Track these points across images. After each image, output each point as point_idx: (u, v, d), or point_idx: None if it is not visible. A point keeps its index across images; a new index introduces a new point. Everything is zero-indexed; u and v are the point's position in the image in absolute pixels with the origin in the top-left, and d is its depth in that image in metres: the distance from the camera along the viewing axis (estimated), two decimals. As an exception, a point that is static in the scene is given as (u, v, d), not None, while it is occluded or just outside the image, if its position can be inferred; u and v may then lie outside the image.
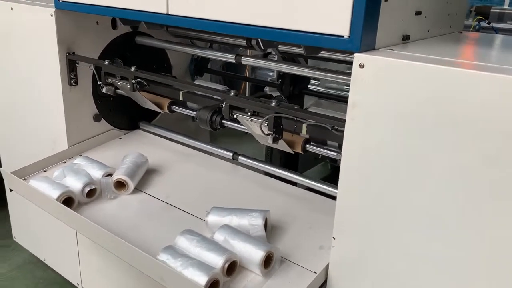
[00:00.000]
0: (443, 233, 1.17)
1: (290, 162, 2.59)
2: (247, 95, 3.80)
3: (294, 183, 1.90)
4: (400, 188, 1.21)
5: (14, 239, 2.78)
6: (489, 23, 3.82)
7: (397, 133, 1.17)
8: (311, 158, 3.65)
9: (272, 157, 2.80)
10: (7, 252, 2.93)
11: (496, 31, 3.76)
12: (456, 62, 1.13)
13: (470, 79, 1.04)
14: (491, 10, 4.32)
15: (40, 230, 2.50)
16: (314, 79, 2.41)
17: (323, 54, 1.81)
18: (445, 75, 1.07)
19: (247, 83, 4.86)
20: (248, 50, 2.60)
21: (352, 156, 1.27)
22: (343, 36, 1.19)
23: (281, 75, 2.35)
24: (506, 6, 4.58)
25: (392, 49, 1.25)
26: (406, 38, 1.39)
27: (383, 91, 1.16)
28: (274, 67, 1.79)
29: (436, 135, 1.11)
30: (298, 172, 1.89)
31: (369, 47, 1.22)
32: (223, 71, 3.41)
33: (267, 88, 3.36)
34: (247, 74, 4.70)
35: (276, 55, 2.22)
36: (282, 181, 1.93)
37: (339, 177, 1.30)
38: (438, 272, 1.21)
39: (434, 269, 1.21)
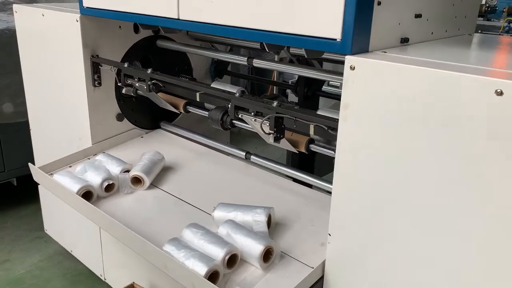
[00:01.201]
0: (433, 228, 1.19)
1: (307, 164, 2.62)
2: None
3: (305, 184, 1.94)
4: (391, 186, 1.24)
5: (45, 231, 2.95)
6: (518, 24, 3.73)
7: (387, 133, 1.21)
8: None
9: (293, 158, 2.85)
10: (39, 244, 3.11)
11: (527, 32, 3.67)
12: (444, 64, 1.15)
13: (452, 80, 1.06)
14: (525, 10, 4.21)
15: (67, 223, 2.66)
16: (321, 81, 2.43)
17: (336, 57, 1.85)
18: (429, 77, 1.10)
19: (273, 86, 4.95)
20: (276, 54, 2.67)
21: (345, 155, 1.31)
22: (335, 39, 1.24)
23: (298, 77, 2.40)
24: (541, 7, 4.43)
25: (385, 52, 1.29)
26: (404, 40, 1.42)
27: (372, 92, 1.20)
28: (281, 69, 1.86)
29: (423, 134, 1.14)
30: (316, 174, 1.93)
31: (362, 49, 1.26)
32: (238, 73, 3.50)
33: (288, 91, 3.42)
34: (274, 77, 4.81)
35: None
36: (294, 181, 1.98)
37: (333, 176, 1.35)
38: (431, 267, 1.23)
39: (426, 264, 1.23)
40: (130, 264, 2.25)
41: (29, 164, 2.08)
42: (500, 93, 0.99)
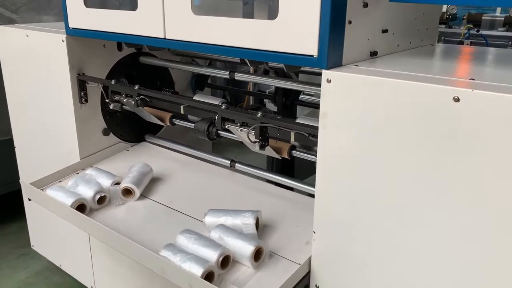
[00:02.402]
0: (408, 224, 1.33)
1: (287, 169, 2.76)
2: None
3: (288, 188, 2.07)
4: (368, 186, 1.38)
5: (32, 247, 2.97)
6: (477, 31, 3.99)
7: (362, 137, 1.35)
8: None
9: (273, 164, 2.98)
10: (26, 260, 3.13)
11: (485, 38, 3.93)
12: (409, 75, 1.30)
13: (416, 90, 1.22)
14: (483, 18, 4.50)
15: (56, 237, 2.70)
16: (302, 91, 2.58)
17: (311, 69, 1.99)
18: (396, 87, 1.25)
19: (250, 96, 5.10)
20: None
21: (325, 159, 1.45)
22: (313, 56, 1.38)
23: (276, 88, 2.54)
24: (497, 14, 4.74)
25: (357, 65, 1.44)
26: (373, 54, 1.58)
27: (347, 101, 1.34)
28: (260, 81, 1.99)
29: (393, 138, 1.29)
30: (296, 178, 2.06)
31: (336, 64, 1.40)
32: (218, 85, 3.63)
33: (266, 100, 3.56)
34: (250, 88, 4.97)
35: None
36: (277, 185, 2.11)
37: (316, 178, 1.48)
38: (410, 260, 1.36)
39: (406, 257, 1.37)
40: (121, 273, 2.32)
41: (20, 180, 2.14)
42: (457, 100, 1.15)
